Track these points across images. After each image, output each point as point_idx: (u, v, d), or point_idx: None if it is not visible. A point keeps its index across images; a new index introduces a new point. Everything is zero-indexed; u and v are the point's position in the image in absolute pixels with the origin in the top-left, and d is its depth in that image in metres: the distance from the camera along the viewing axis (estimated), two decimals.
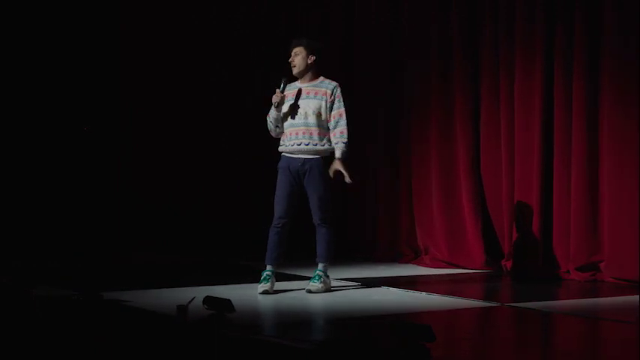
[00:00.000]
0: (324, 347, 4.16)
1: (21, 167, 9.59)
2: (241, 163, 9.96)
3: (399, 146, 8.69)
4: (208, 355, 4.40)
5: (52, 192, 9.68)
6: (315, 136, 6.26)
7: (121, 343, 4.64)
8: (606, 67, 6.99)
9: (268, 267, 6.29)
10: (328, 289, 6.31)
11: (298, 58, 6.35)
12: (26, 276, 6.78)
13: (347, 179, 6.22)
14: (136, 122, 10.16)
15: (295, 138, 6.30)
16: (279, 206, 6.31)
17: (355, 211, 9.02)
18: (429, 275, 7.69)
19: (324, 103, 6.30)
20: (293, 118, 6.31)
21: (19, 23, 9.64)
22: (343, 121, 6.27)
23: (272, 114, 6.37)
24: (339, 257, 6.81)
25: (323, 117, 6.29)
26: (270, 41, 9.81)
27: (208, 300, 5.02)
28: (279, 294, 6.19)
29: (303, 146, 6.27)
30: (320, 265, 6.32)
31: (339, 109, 6.29)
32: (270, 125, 6.42)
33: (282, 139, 6.40)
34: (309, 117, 6.28)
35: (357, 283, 6.79)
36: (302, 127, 6.29)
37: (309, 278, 6.37)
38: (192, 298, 5.04)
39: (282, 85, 6.35)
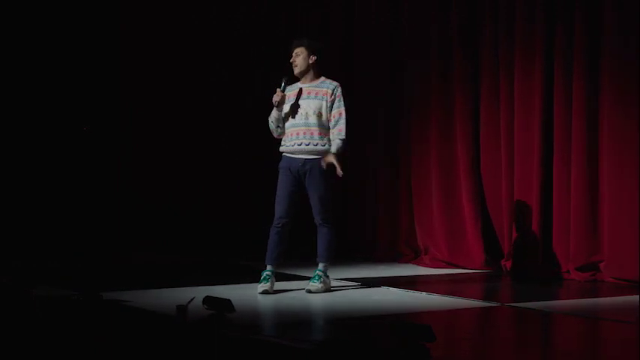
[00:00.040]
0: (324, 347, 4.16)
1: (21, 167, 9.59)
2: (241, 163, 9.96)
3: (399, 146, 8.69)
4: (208, 355, 4.40)
5: (52, 192, 9.68)
6: (316, 136, 6.26)
7: (121, 343, 4.63)
8: (606, 67, 6.99)
9: (268, 267, 6.29)
10: (328, 289, 6.31)
11: (299, 58, 6.36)
12: (26, 276, 6.78)
13: (338, 172, 6.20)
14: (136, 122, 10.16)
15: (296, 138, 6.30)
16: (279, 206, 6.31)
17: (355, 211, 9.02)
18: (429, 275, 7.69)
19: (324, 103, 6.30)
20: (294, 118, 6.32)
21: (19, 23, 9.64)
22: (343, 120, 6.28)
23: (273, 114, 6.38)
24: (339, 257, 6.81)
25: (324, 117, 6.29)
26: (270, 41, 9.82)
27: (208, 300, 5.02)
28: (279, 294, 6.18)
29: (303, 146, 6.28)
30: (320, 265, 6.33)
31: (339, 108, 6.29)
32: (272, 125, 6.42)
33: (283, 139, 6.40)
34: (309, 117, 6.28)
35: (357, 283, 6.79)
36: (303, 127, 6.29)
37: (309, 278, 6.37)
38: (192, 298, 5.04)
39: (282, 85, 6.35)
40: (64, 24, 9.82)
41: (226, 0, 10.18)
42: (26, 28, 9.67)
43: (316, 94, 6.33)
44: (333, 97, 6.30)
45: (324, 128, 6.30)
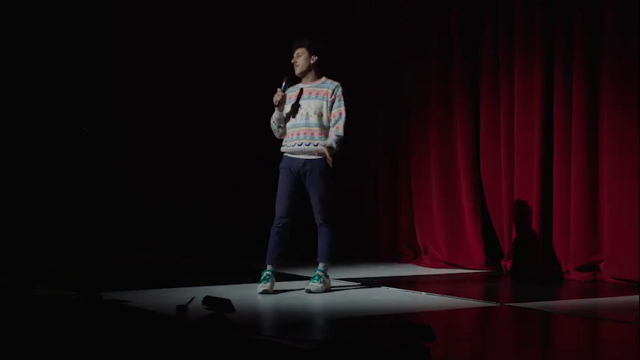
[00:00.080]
0: (323, 347, 4.16)
1: (21, 167, 9.59)
2: (241, 163, 9.96)
3: (399, 146, 8.69)
4: (208, 355, 4.39)
5: (52, 192, 9.68)
6: (317, 137, 6.26)
7: (121, 343, 4.63)
8: (606, 67, 6.99)
9: (268, 267, 6.29)
10: (328, 289, 6.31)
11: (301, 58, 6.36)
12: (26, 276, 6.79)
13: (329, 162, 6.19)
14: (136, 122, 10.17)
15: (297, 138, 6.30)
16: (280, 206, 6.32)
17: (355, 211, 9.02)
18: (429, 275, 7.69)
19: (325, 103, 6.30)
20: (294, 118, 6.33)
21: (19, 23, 9.64)
22: (342, 120, 6.28)
23: (274, 114, 6.39)
24: (339, 257, 6.81)
25: (324, 117, 6.30)
26: (270, 41, 9.82)
27: (208, 300, 5.03)
28: (279, 294, 6.18)
29: (304, 146, 6.28)
30: (320, 265, 6.33)
31: (339, 107, 6.29)
32: (273, 126, 6.43)
33: (284, 139, 6.41)
34: (310, 117, 6.28)
35: (356, 283, 6.79)
36: (303, 128, 6.29)
37: (309, 278, 6.37)
38: (192, 298, 5.04)
39: (283, 84, 6.36)
40: (64, 24, 9.82)
41: (226, 0, 10.18)
42: (26, 28, 9.67)
43: (317, 94, 6.34)
44: (333, 97, 6.31)
45: (325, 128, 6.30)
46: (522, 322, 5.51)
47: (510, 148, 7.61)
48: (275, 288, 6.25)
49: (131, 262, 8.54)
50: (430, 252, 8.27)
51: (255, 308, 5.69)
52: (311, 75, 6.39)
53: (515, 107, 7.57)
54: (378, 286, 6.69)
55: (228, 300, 4.93)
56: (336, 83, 6.37)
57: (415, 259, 8.45)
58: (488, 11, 7.86)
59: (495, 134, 7.82)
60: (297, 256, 7.20)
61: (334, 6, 9.39)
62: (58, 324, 4.99)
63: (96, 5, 9.98)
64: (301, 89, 6.39)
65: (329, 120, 6.30)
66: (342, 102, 6.30)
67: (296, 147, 6.30)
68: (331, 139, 6.23)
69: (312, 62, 6.37)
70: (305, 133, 6.28)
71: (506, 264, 7.61)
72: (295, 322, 5.28)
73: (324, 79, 6.41)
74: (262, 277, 6.23)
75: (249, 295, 6.08)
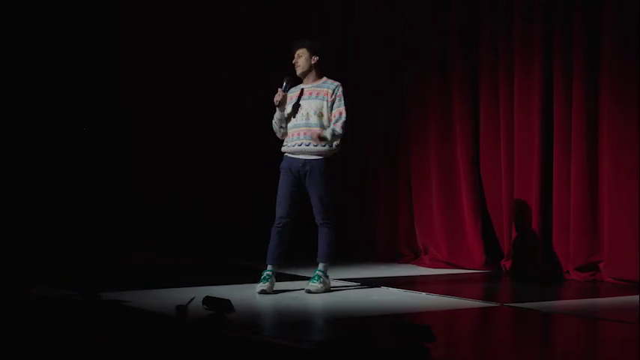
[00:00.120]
0: (323, 347, 4.16)
1: (21, 167, 9.59)
2: (241, 163, 9.96)
3: (399, 146, 8.69)
4: (208, 355, 4.40)
5: (52, 192, 9.67)
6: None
7: (121, 343, 4.64)
8: (606, 67, 6.99)
9: (269, 267, 6.30)
10: (328, 290, 6.31)
11: (302, 59, 6.37)
12: (26, 276, 6.78)
13: (316, 141, 6.18)
14: (136, 122, 10.16)
15: (297, 138, 6.31)
16: (280, 206, 6.33)
17: (355, 211, 9.02)
18: (429, 275, 7.69)
19: (325, 103, 6.31)
20: (295, 118, 6.33)
21: (19, 23, 9.64)
22: (342, 119, 6.28)
23: (276, 115, 6.40)
24: (339, 257, 6.81)
25: (325, 117, 6.30)
26: (270, 41, 9.82)
27: (208, 300, 5.03)
28: (278, 294, 6.19)
29: (304, 147, 6.28)
30: (320, 265, 6.33)
31: (339, 107, 6.30)
32: (275, 126, 6.44)
33: (285, 139, 6.41)
34: (310, 117, 6.28)
35: (356, 284, 6.79)
36: (303, 128, 6.30)
37: (309, 278, 6.37)
38: (192, 299, 5.03)
39: (284, 85, 6.36)
40: (64, 24, 9.82)
41: (226, 0, 10.18)
42: (26, 28, 9.67)
43: (317, 94, 6.34)
44: (333, 96, 6.31)
45: (325, 128, 6.30)
46: (522, 322, 5.51)
47: (510, 148, 7.61)
48: (275, 288, 6.25)
49: (131, 262, 8.55)
50: (430, 252, 8.27)
51: (255, 308, 5.69)
52: (312, 75, 6.40)
53: (514, 107, 7.57)
54: (378, 286, 6.69)
55: (228, 300, 4.93)
56: (336, 83, 6.37)
57: (415, 259, 8.45)
58: (487, 11, 7.87)
59: (495, 134, 7.82)
60: (297, 256, 7.20)
61: (334, 6, 9.39)
62: (58, 324, 4.99)
63: (96, 5, 9.97)
64: (302, 89, 6.40)
65: (329, 120, 6.31)
66: (343, 102, 6.31)
67: (296, 147, 6.30)
68: (327, 132, 6.24)
69: (313, 62, 6.38)
70: (305, 133, 6.29)
71: (506, 264, 7.61)
72: (295, 322, 5.28)
73: (324, 79, 6.42)
74: (262, 277, 6.23)
75: (249, 295, 6.08)
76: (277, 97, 6.34)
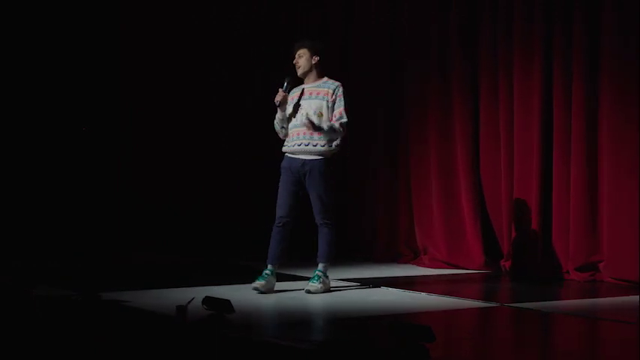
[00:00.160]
0: (323, 347, 4.16)
1: (21, 167, 9.59)
2: (241, 163, 9.96)
3: (399, 146, 8.69)
4: (208, 355, 4.40)
5: (52, 192, 9.68)
6: (316, 137, 6.27)
7: (121, 344, 4.64)
8: (606, 67, 6.99)
9: (269, 266, 6.30)
10: (327, 290, 6.31)
11: (302, 59, 6.39)
12: (26, 276, 6.79)
13: (307, 126, 6.18)
14: (136, 122, 10.16)
15: (297, 138, 6.32)
16: (280, 206, 6.34)
17: (355, 211, 9.02)
18: (428, 275, 7.69)
19: (325, 103, 6.31)
20: (295, 118, 6.35)
21: (19, 23, 9.64)
22: (341, 119, 6.28)
23: (277, 115, 6.41)
24: (339, 257, 6.81)
25: (325, 117, 6.30)
26: (270, 41, 9.82)
27: (208, 300, 5.03)
28: (278, 294, 6.19)
29: (303, 147, 6.29)
30: (320, 266, 6.33)
31: (340, 108, 6.30)
32: (277, 126, 6.46)
33: (286, 139, 6.42)
34: (310, 117, 6.28)
35: (356, 284, 6.79)
36: (303, 128, 6.30)
37: (308, 278, 6.37)
38: (192, 299, 5.04)
39: (285, 85, 6.37)
40: (64, 24, 9.82)
41: (226, 0, 10.18)
42: (26, 28, 9.67)
43: (317, 94, 6.35)
44: (334, 97, 6.32)
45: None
46: (522, 323, 5.51)
47: (510, 148, 7.61)
48: (275, 288, 6.26)
49: (131, 262, 8.54)
50: (429, 252, 8.27)
51: (254, 309, 5.69)
52: (312, 75, 6.41)
53: (514, 107, 7.57)
54: (378, 286, 6.69)
55: (228, 300, 4.93)
56: (337, 83, 6.38)
57: (414, 259, 8.45)
58: (487, 11, 7.87)
59: (495, 134, 7.82)
60: (297, 256, 7.20)
61: (334, 6, 9.39)
62: (58, 324, 5.00)
63: (96, 5, 9.97)
64: (303, 89, 6.41)
65: (329, 120, 6.31)
66: (343, 102, 6.31)
67: (296, 147, 6.31)
68: (325, 125, 6.23)
69: (313, 62, 6.39)
70: (305, 133, 6.29)
71: (506, 264, 7.61)
72: (295, 322, 5.28)
73: (325, 79, 6.42)
74: (260, 275, 6.24)
75: (249, 295, 6.08)
76: (278, 97, 6.35)
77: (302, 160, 6.29)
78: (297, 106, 6.35)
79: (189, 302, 4.95)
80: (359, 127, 7.78)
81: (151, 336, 4.74)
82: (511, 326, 5.45)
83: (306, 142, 6.28)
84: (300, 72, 6.43)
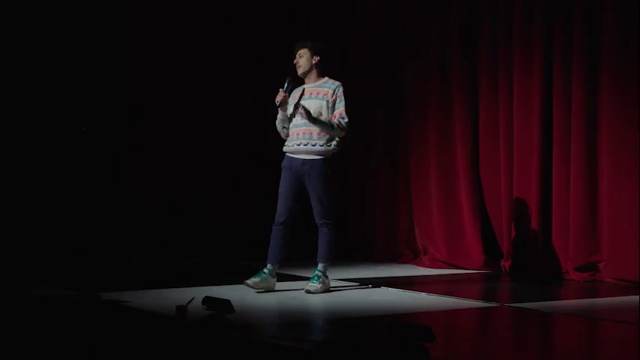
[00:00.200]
0: (323, 347, 4.17)
1: (21, 167, 9.59)
2: (241, 163, 9.97)
3: (399, 146, 8.69)
4: (208, 355, 4.40)
5: (52, 192, 9.68)
6: (315, 136, 6.27)
7: (121, 344, 4.64)
8: (606, 67, 6.99)
9: (268, 265, 6.30)
10: (327, 290, 6.31)
11: (303, 59, 6.39)
12: (26, 276, 6.79)
13: (301, 113, 6.18)
14: (136, 122, 10.17)
15: (296, 138, 6.33)
16: (280, 205, 6.35)
17: (355, 212, 9.03)
18: (428, 275, 7.69)
19: (325, 103, 6.31)
20: (295, 118, 6.35)
21: (19, 23, 9.64)
22: (341, 119, 6.28)
23: (279, 115, 6.42)
24: (339, 257, 6.81)
25: (324, 117, 6.30)
26: (270, 41, 9.83)
27: (207, 300, 5.03)
28: (278, 294, 6.19)
29: (302, 146, 6.29)
30: (319, 266, 6.33)
31: (340, 108, 6.30)
32: (279, 127, 6.47)
33: (287, 139, 6.43)
34: (311, 123, 6.27)
35: (356, 284, 6.79)
36: (302, 128, 6.31)
37: (308, 278, 6.37)
38: (192, 299, 5.04)
39: (285, 85, 6.37)
40: (64, 24, 9.82)
41: (226, 0, 10.18)
42: (26, 28, 9.67)
43: (317, 93, 6.35)
44: (334, 97, 6.32)
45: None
46: (522, 323, 5.51)
47: (510, 148, 7.61)
48: (275, 288, 6.26)
49: (131, 262, 8.55)
50: (429, 252, 8.27)
51: (254, 309, 5.69)
52: (313, 75, 6.41)
53: (514, 107, 7.57)
54: (378, 286, 6.69)
55: (228, 300, 4.93)
56: (337, 83, 6.38)
57: (414, 259, 8.45)
58: (487, 11, 7.87)
59: (494, 134, 7.82)
60: (297, 256, 7.20)
61: (334, 6, 9.39)
62: (58, 324, 5.00)
63: (96, 5, 9.98)
64: (303, 89, 6.41)
65: (329, 120, 6.31)
66: (343, 102, 6.31)
67: (295, 147, 6.32)
68: (323, 119, 6.23)
69: (314, 62, 6.39)
70: (304, 133, 6.29)
71: (506, 264, 7.61)
72: (295, 322, 5.28)
73: (326, 78, 6.43)
74: (256, 274, 6.26)
75: (249, 295, 6.08)
76: (278, 98, 6.36)
77: (301, 159, 6.30)
78: (297, 106, 6.35)
79: (189, 302, 4.95)
80: (359, 127, 7.79)
81: (151, 336, 4.74)
82: (511, 326, 5.45)
83: (305, 141, 6.28)
84: (300, 72, 6.43)
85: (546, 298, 6.25)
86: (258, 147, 9.43)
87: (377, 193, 8.85)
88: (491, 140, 7.86)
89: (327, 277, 6.35)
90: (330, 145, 6.29)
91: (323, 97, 6.33)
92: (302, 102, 6.34)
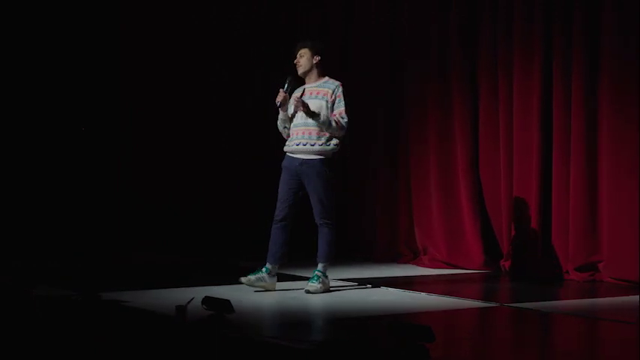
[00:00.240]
0: (323, 348, 4.17)
1: (21, 167, 9.59)
2: (241, 163, 9.97)
3: (399, 146, 8.69)
4: (208, 355, 4.40)
5: (52, 192, 9.68)
6: (314, 136, 6.27)
7: (121, 343, 4.64)
8: (605, 67, 6.99)
9: (268, 265, 6.30)
10: (327, 290, 6.31)
11: (303, 59, 6.40)
12: (26, 276, 6.79)
13: (297, 104, 6.20)
14: (136, 122, 10.17)
15: (296, 138, 6.33)
16: (280, 204, 6.36)
17: (355, 212, 9.03)
18: (428, 275, 7.69)
19: (324, 103, 6.31)
20: (295, 118, 6.36)
21: (19, 23, 9.64)
22: (341, 119, 6.28)
23: (280, 115, 6.43)
24: (339, 257, 6.81)
25: (323, 114, 6.29)
26: (270, 41, 9.83)
27: (207, 300, 5.03)
28: (278, 294, 6.19)
29: (301, 146, 6.29)
30: (319, 266, 6.33)
31: (339, 108, 6.31)
32: (280, 127, 6.48)
33: (288, 139, 6.44)
34: (309, 117, 6.28)
35: (355, 284, 6.79)
36: (302, 127, 6.31)
37: (308, 278, 6.37)
38: (192, 299, 5.04)
39: (285, 85, 6.38)
40: (64, 24, 9.82)
41: (226, 0, 10.18)
42: (26, 28, 9.67)
43: (317, 93, 6.35)
44: (334, 97, 6.32)
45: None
46: (522, 323, 5.51)
47: (509, 148, 7.61)
48: (276, 288, 6.27)
49: (131, 262, 8.55)
50: (429, 252, 8.27)
51: (254, 309, 5.69)
52: (313, 75, 6.42)
53: (514, 107, 7.57)
54: (378, 286, 6.69)
55: (228, 300, 4.93)
56: (337, 83, 6.38)
57: (414, 259, 8.45)
58: (487, 11, 7.87)
59: (494, 134, 7.82)
60: (297, 256, 7.19)
61: (334, 6, 9.39)
62: (58, 324, 5.00)
63: (96, 5, 9.98)
64: (304, 89, 6.42)
65: (328, 116, 6.31)
66: (343, 102, 6.31)
67: (294, 146, 6.33)
68: (324, 116, 6.23)
69: (314, 62, 6.40)
70: (303, 133, 6.30)
71: (506, 264, 7.62)
72: (294, 322, 5.28)
73: (326, 78, 6.43)
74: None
75: (249, 295, 6.08)
76: (278, 98, 6.36)
77: (300, 159, 6.30)
78: (297, 101, 6.35)
79: (189, 302, 4.95)
80: (359, 127, 7.80)
81: (151, 336, 4.74)
82: (511, 326, 5.45)
83: (304, 141, 6.29)
84: (300, 71, 6.44)
85: (546, 298, 6.25)
86: (258, 147, 9.43)
87: (377, 193, 8.85)
88: (491, 140, 7.86)
89: (327, 277, 6.35)
90: (329, 145, 6.29)
91: (323, 97, 6.33)
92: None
